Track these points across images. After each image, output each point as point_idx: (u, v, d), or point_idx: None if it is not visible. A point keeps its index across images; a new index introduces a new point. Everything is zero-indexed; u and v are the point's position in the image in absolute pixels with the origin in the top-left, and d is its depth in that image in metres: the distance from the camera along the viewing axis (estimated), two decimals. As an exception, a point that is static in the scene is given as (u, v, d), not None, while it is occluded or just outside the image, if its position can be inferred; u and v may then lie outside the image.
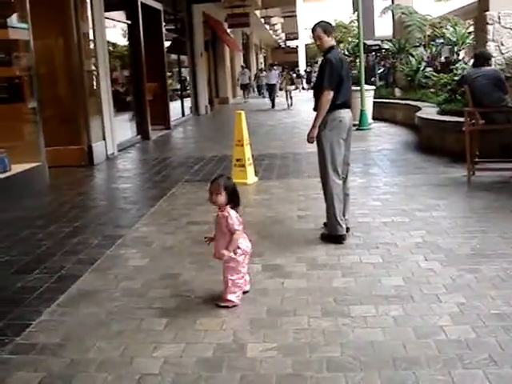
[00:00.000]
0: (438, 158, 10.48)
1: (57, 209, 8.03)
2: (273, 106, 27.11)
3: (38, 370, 3.64)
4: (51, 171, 10.06)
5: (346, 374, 3.43)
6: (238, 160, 9.31)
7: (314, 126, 5.94)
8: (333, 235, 5.95)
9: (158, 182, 9.80)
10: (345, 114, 5.95)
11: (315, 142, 6.03)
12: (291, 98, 27.03)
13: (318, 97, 5.93)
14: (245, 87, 34.35)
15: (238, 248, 4.46)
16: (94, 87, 12.47)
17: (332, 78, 5.78)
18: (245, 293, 4.66)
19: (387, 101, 18.16)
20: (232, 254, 4.42)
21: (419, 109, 13.85)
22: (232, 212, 4.46)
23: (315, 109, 5.99)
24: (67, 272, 5.41)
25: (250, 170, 9.40)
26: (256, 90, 40.13)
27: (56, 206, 8.20)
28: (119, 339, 4.00)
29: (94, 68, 12.49)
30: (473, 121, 8.72)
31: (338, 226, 5.91)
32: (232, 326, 4.15)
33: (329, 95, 5.78)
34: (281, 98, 28.67)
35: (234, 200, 4.52)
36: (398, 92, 18.81)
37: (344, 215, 6.03)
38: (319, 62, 6.59)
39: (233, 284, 4.47)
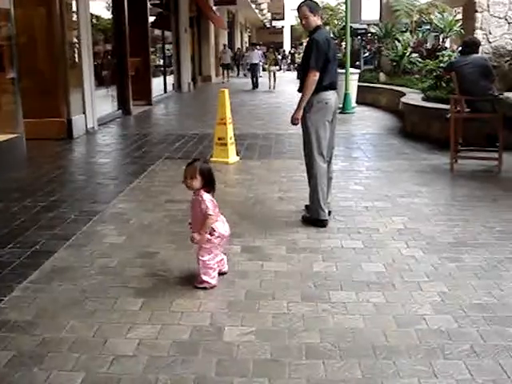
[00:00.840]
0: (421, 144, 10.44)
1: (33, 182, 7.84)
2: (255, 86, 26.23)
3: (8, 347, 3.52)
4: (29, 143, 9.82)
5: (325, 362, 3.35)
6: (219, 138, 9.16)
7: (298, 108, 5.81)
8: (315, 219, 5.86)
9: (138, 158, 9.64)
10: (331, 96, 5.83)
11: (299, 124, 5.91)
12: (275, 79, 26.18)
13: (303, 78, 5.80)
14: (226, 67, 32.77)
15: (214, 231, 4.34)
16: (76, 60, 12.21)
17: (318, 59, 5.65)
18: (223, 274, 4.57)
19: (371, 85, 18.07)
20: (205, 236, 4.32)
21: (403, 94, 13.78)
22: (206, 196, 4.33)
23: (300, 90, 5.86)
24: (41, 247, 5.26)
25: (232, 148, 9.27)
26: (238, 69, 39.70)
27: (32, 179, 8.01)
28: (93, 319, 3.88)
29: (75, 40, 12.21)
30: (458, 108, 8.67)
31: (321, 211, 5.82)
32: (209, 308, 4.06)
33: (315, 76, 5.65)
34: (264, 78, 28.39)
35: (209, 185, 4.40)
36: (382, 77, 18.71)
37: (326, 199, 5.94)
38: (305, 44, 6.43)
39: (203, 265, 4.36)
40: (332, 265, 4.84)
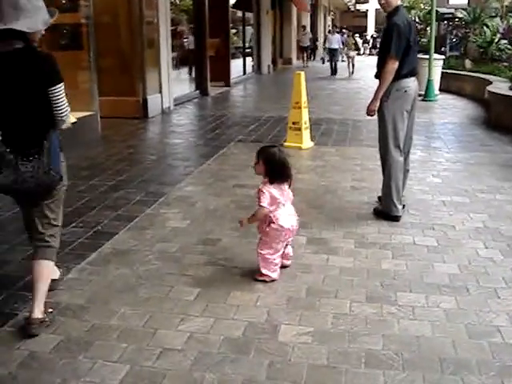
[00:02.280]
0: (506, 136, 9.84)
1: (103, 161, 7.83)
2: (333, 73, 24.18)
3: (57, 332, 3.43)
4: (104, 122, 9.88)
5: (385, 372, 3.08)
6: (293, 123, 8.90)
7: (375, 98, 5.45)
8: (387, 214, 5.54)
9: (211, 140, 9.51)
10: (411, 84, 5.45)
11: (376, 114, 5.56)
12: (353, 65, 24.28)
13: (381, 64, 5.41)
14: (305, 50, 30.47)
15: (273, 222, 4.09)
16: (154, 39, 12.17)
17: (399, 45, 5.24)
18: (285, 267, 4.34)
19: (456, 72, 17.27)
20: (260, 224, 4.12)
21: (490, 83, 13.11)
22: (267, 188, 4.05)
23: (377, 76, 5.51)
24: (103, 228, 5.19)
25: (306, 134, 8.98)
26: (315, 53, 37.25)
27: (103, 158, 8.00)
28: (145, 307, 3.74)
29: (154, 19, 12.17)
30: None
31: (394, 207, 5.49)
32: (267, 302, 3.83)
33: (394, 64, 5.26)
34: (344, 63, 26.51)
35: (273, 174, 4.08)
36: (468, 64, 17.91)
37: (401, 194, 5.59)
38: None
39: (262, 258, 4.13)
40: (402, 263, 4.53)
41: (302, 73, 9.03)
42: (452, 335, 3.46)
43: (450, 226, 5.39)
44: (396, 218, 5.50)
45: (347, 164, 7.84)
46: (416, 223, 5.45)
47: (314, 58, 36.12)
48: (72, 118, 3.66)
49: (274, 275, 4.15)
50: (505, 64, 15.84)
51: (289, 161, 4.21)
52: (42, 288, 3.48)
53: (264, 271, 4.12)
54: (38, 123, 3.42)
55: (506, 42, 17.24)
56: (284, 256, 4.29)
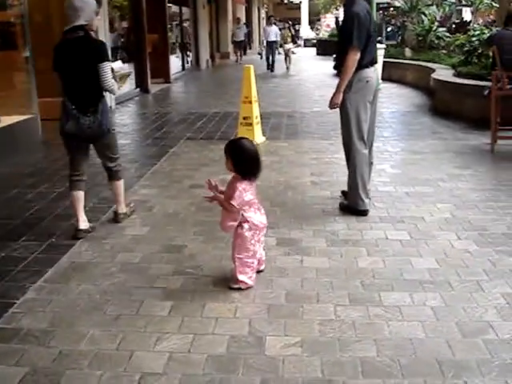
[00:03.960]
0: (455, 123, 9.85)
1: (49, 166, 7.39)
2: (270, 68, 21.96)
3: (21, 363, 3.09)
4: (45, 124, 9.39)
5: (385, 381, 2.88)
6: (244, 118, 8.65)
7: (338, 91, 5.23)
8: (354, 208, 5.37)
9: (159, 139, 9.16)
10: (371, 74, 5.28)
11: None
12: (290, 60, 22.36)
13: (341, 56, 5.20)
14: (239, 45, 28.10)
15: (246, 222, 3.85)
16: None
17: (361, 36, 5.05)
18: (259, 272, 4.10)
19: (397, 61, 17.33)
20: (224, 204, 3.82)
21: (432, 70, 13.15)
22: (241, 185, 3.78)
23: (336, 67, 5.31)
24: (58, 240, 4.82)
25: (258, 128, 8.75)
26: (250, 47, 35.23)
27: (48, 163, 7.56)
28: (116, 326, 3.43)
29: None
30: (499, 85, 8.08)
31: (360, 201, 5.32)
32: (246, 313, 3.58)
33: (356, 55, 5.06)
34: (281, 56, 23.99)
35: (243, 170, 3.82)
36: (408, 52, 18.01)
37: (367, 187, 5.42)
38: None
39: (240, 263, 3.89)
40: (378, 260, 4.35)
41: (252, 66, 8.78)
42: (445, 335, 3.30)
43: (418, 217, 5.27)
44: (364, 213, 5.34)
45: (303, 158, 7.64)
46: (384, 217, 5.30)
47: (245, 53, 33.12)
48: (117, 88, 4.99)
49: (251, 282, 3.91)
50: (444, 51, 15.97)
51: (260, 153, 3.95)
52: (121, 195, 5.27)
53: (241, 277, 3.87)
54: (94, 90, 4.77)
55: (443, 29, 17.39)
56: (258, 260, 4.05)
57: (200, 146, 8.48)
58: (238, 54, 27.91)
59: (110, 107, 4.97)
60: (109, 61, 4.77)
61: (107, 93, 4.93)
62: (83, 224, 4.92)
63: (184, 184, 6.49)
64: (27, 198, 5.97)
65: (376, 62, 5.45)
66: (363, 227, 5.04)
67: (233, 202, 3.75)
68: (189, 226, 5.13)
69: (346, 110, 5.27)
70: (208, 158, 7.67)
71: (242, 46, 28.92)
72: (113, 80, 4.79)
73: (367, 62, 5.20)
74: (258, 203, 3.98)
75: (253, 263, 3.93)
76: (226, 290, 3.87)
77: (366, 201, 5.36)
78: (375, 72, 5.37)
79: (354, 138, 5.26)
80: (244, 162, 3.83)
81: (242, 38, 28.11)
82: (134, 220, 5.31)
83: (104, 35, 12.13)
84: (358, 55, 5.07)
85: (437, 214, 5.34)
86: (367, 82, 5.21)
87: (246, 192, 3.79)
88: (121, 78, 5.27)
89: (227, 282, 3.96)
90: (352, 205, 5.39)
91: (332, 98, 5.28)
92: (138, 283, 3.99)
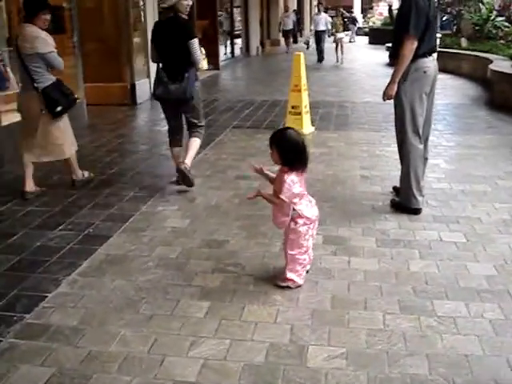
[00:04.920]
0: (512, 117, 9.37)
1: (92, 152, 7.27)
2: (320, 59, 20.32)
3: (47, 363, 2.91)
4: (91, 109, 9.32)
5: (440, 404, 2.60)
6: (293, 107, 8.37)
7: (392, 81, 4.91)
8: (406, 206, 5.05)
9: (205, 127, 8.93)
10: (430, 64, 4.94)
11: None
12: (342, 51, 20.08)
13: (397, 43, 4.85)
14: (287, 34, 26.27)
15: (300, 217, 3.61)
16: (140, 21, 11.55)
17: (418, 23, 4.71)
18: (306, 272, 3.85)
19: (452, 51, 16.72)
20: (276, 202, 3.59)
21: (489, 61, 12.60)
22: (289, 178, 3.52)
23: (392, 56, 4.98)
24: (95, 230, 4.66)
25: (307, 118, 8.47)
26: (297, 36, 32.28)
27: (92, 149, 7.44)
28: (149, 327, 3.22)
29: (140, 1, 11.53)
30: None
31: (413, 199, 5.00)
32: (288, 318, 3.33)
33: (413, 44, 4.72)
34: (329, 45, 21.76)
35: (290, 161, 3.56)
36: (464, 42, 17.35)
37: (421, 184, 5.09)
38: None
39: (292, 259, 3.66)
40: (432, 263, 4.04)
41: (302, 54, 8.49)
42: (505, 352, 2.99)
43: (475, 218, 4.92)
44: (416, 211, 5.02)
45: (353, 150, 7.33)
46: (438, 216, 4.97)
47: (296, 42, 31.27)
48: (205, 64, 5.94)
49: (300, 281, 3.69)
50: (502, 42, 15.34)
51: (306, 143, 3.68)
52: (193, 151, 5.77)
53: (290, 275, 3.65)
54: (183, 62, 5.53)
55: (502, 18, 16.72)
56: (309, 258, 3.81)
57: (247, 135, 8.24)
58: (288, 43, 26.18)
59: (197, 79, 5.66)
60: (196, 37, 5.52)
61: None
62: (189, 163, 5.63)
63: (229, 175, 6.27)
64: (67, 186, 5.82)
65: (435, 51, 5.09)
66: (416, 227, 4.72)
67: (282, 196, 3.51)
68: (231, 219, 4.91)
69: (400, 102, 4.95)
70: (255, 148, 7.43)
71: (291, 35, 27.05)
72: (201, 55, 5.63)
73: (425, 50, 4.87)
74: (308, 195, 3.73)
75: (304, 260, 3.70)
76: (268, 291, 3.63)
77: (420, 199, 5.03)
78: (434, 62, 5.02)
79: (408, 131, 4.94)
80: (290, 152, 3.57)
81: (291, 27, 26.52)
82: (175, 211, 5.11)
83: (153, 18, 12.00)
84: (415, 44, 4.73)
85: (494, 215, 4.99)
86: (424, 72, 4.88)
87: (294, 184, 3.54)
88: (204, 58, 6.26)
89: (269, 282, 3.73)
90: (404, 202, 5.08)
91: (386, 89, 4.97)
92: (174, 280, 3.78)
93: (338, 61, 20.03)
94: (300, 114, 8.28)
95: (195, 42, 5.45)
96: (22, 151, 5.48)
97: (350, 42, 32.17)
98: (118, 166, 6.59)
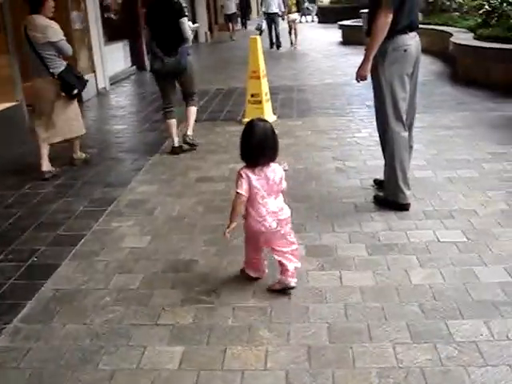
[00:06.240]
0: (481, 91, 8.94)
1: (34, 161, 6.48)
2: (275, 45, 18.63)
3: None
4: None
5: None
6: (252, 95, 7.76)
7: (366, 61, 4.36)
8: (392, 201, 4.51)
9: (158, 123, 8.23)
10: (410, 41, 4.37)
11: (369, 79, 4.48)
12: (296, 33, 18.89)
13: (372, 18, 4.30)
14: (230, 18, 24.68)
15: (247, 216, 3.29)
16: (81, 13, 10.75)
17: None
18: (289, 288, 3.30)
19: (407, 25, 16.27)
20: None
21: (449, 34, 12.15)
22: (245, 170, 3.20)
23: (368, 33, 4.41)
24: (40, 259, 3.98)
25: (268, 106, 7.89)
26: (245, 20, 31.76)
27: (33, 158, 6.64)
28: (111, 390, 2.60)
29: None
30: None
31: (400, 193, 4.47)
32: (281, 360, 2.74)
33: (387, 17, 4.15)
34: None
35: (243, 154, 3.25)
36: (419, 16, 16.93)
37: (408, 174, 4.55)
38: None
39: (245, 253, 3.51)
40: (435, 272, 3.51)
41: (258, 37, 7.87)
42: (547, 386, 2.46)
43: (469, 210, 4.42)
44: (405, 207, 4.49)
45: (322, 139, 6.76)
46: (429, 211, 4.45)
47: (245, 27, 30.98)
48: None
49: (255, 275, 3.49)
50: (457, 14, 14.95)
51: (271, 136, 3.23)
52: (192, 118, 6.81)
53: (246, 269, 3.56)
54: (176, 38, 6.32)
55: (455, -9, 16.34)
56: (283, 270, 3.32)
57: (204, 128, 7.61)
58: (231, 29, 24.47)
59: (189, 54, 6.53)
60: (187, 17, 6.40)
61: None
62: (177, 140, 6.57)
63: (189, 177, 5.64)
64: (7, 203, 5.12)
65: (417, 27, 4.53)
66: (407, 226, 4.18)
67: (238, 190, 3.16)
68: (197, 233, 4.28)
69: (379, 85, 4.40)
70: (215, 144, 6.82)
71: (235, 19, 25.68)
72: (190, 31, 6.46)
73: (404, 26, 4.31)
74: (273, 201, 3.31)
75: (253, 261, 3.51)
76: (252, 325, 3.03)
77: (407, 193, 4.50)
78: (415, 38, 4.46)
79: (390, 118, 4.39)
80: (244, 144, 3.24)
81: (234, 10, 25.10)
82: (132, 227, 4.46)
83: (93, 8, 11.23)
84: (390, 17, 4.16)
85: (490, 206, 4.49)
86: (405, 50, 4.33)
87: (251, 180, 3.18)
88: (192, 31, 6.84)
89: (250, 312, 3.14)
90: (390, 198, 4.54)
91: (359, 69, 4.41)
92: (138, 319, 3.15)
93: (292, 44, 18.96)
94: (261, 102, 7.68)
95: (185, 20, 6.32)
96: (39, 133, 5.95)
97: (313, 21, 32.47)
98: (64, 176, 5.88)
